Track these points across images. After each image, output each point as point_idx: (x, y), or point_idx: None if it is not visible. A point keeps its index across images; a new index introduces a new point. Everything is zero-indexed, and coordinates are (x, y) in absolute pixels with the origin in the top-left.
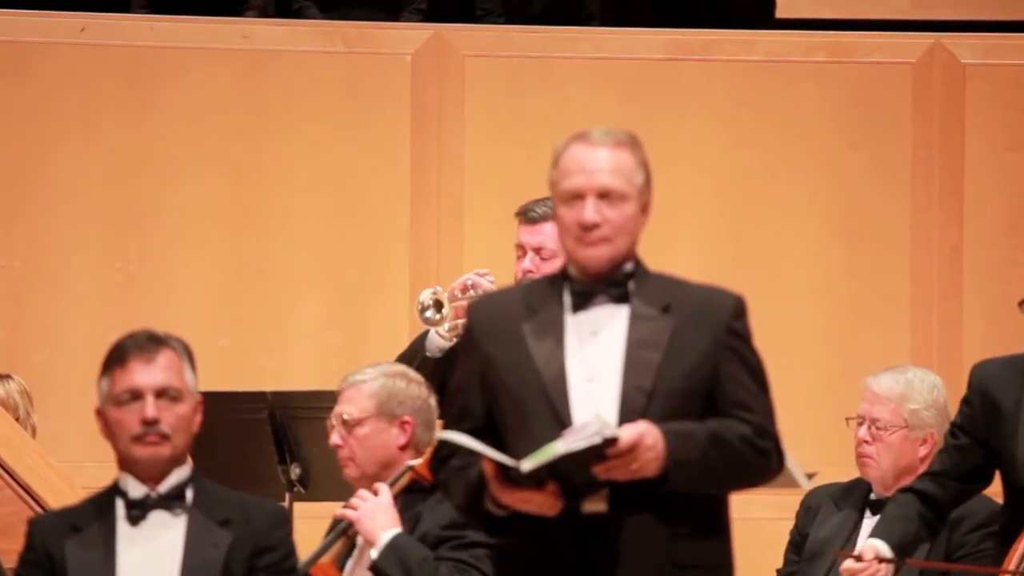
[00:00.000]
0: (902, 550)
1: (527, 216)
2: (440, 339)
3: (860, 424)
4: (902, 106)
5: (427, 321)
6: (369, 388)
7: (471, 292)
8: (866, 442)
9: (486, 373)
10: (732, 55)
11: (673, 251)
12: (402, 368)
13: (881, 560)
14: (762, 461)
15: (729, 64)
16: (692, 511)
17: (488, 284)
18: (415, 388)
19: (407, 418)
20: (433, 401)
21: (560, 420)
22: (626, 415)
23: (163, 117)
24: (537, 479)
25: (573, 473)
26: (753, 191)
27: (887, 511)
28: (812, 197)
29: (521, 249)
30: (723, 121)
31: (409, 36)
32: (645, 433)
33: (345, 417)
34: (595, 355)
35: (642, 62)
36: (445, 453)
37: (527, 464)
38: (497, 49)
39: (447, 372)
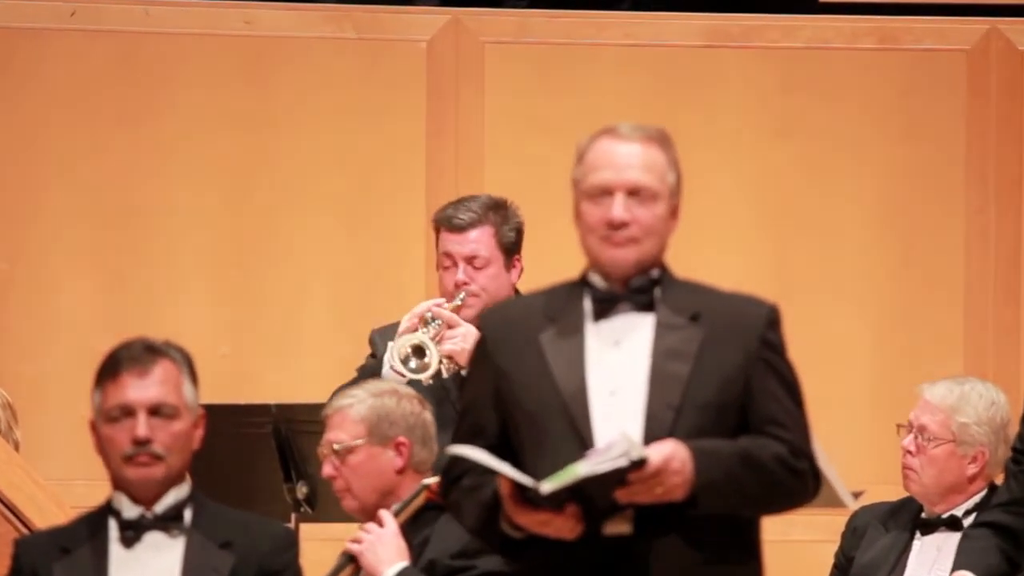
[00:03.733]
0: None
1: (451, 223)
2: (395, 374)
3: (908, 432)
4: (955, 97)
5: (414, 371)
6: (357, 412)
7: (433, 325)
8: (910, 452)
9: (500, 387)
10: (773, 42)
11: (708, 254)
12: (391, 384)
13: None
14: (797, 483)
15: (769, 51)
16: (721, 534)
17: (449, 314)
18: (407, 404)
19: (402, 439)
20: (428, 415)
21: (580, 437)
22: (652, 432)
23: (159, 109)
24: (557, 501)
25: (595, 495)
26: (795, 188)
27: (963, 546)
28: (858, 195)
29: (449, 259)
30: (763, 113)
31: (425, 21)
32: (672, 456)
33: (335, 447)
34: (618, 367)
35: (676, 49)
36: (457, 473)
37: (547, 486)
38: (520, 35)
39: None
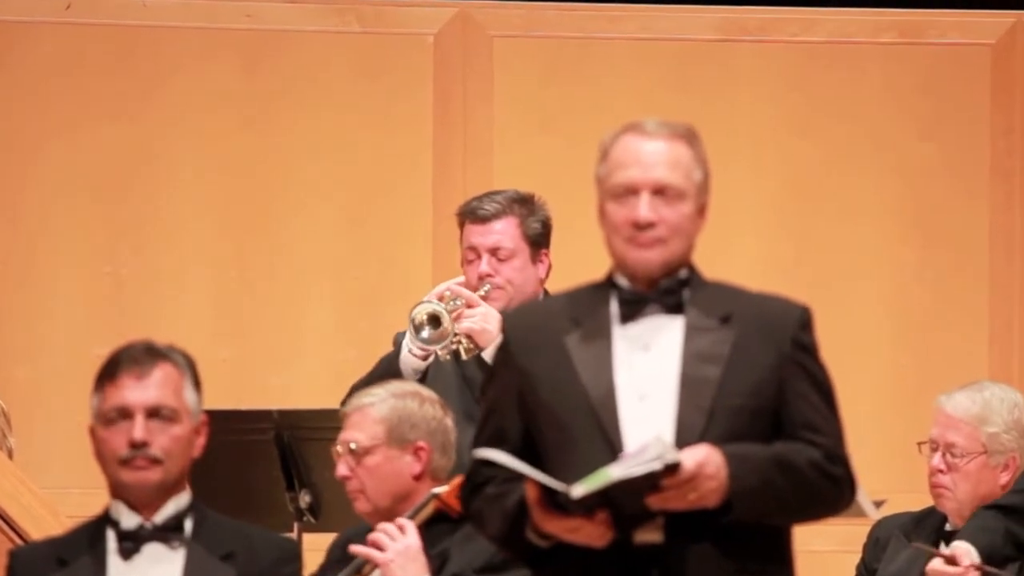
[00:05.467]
0: (988, 562)
1: (476, 215)
2: (415, 359)
3: (933, 451)
4: (980, 92)
5: (427, 341)
6: (377, 412)
7: (452, 303)
8: (940, 471)
9: (524, 392)
10: (791, 36)
11: (726, 254)
12: (413, 387)
13: (977, 568)
14: (834, 489)
15: (788, 46)
16: (755, 542)
17: (469, 293)
18: (429, 409)
19: (421, 443)
20: (450, 422)
21: (609, 442)
22: (683, 437)
23: (157, 105)
24: (587, 506)
25: (626, 501)
26: (814, 187)
27: (969, 524)
28: (879, 194)
29: (473, 251)
30: (781, 109)
31: (432, 14)
32: (706, 461)
33: (352, 446)
34: (647, 371)
35: (692, 43)
36: (480, 480)
37: (579, 490)
38: (530, 29)
39: None
